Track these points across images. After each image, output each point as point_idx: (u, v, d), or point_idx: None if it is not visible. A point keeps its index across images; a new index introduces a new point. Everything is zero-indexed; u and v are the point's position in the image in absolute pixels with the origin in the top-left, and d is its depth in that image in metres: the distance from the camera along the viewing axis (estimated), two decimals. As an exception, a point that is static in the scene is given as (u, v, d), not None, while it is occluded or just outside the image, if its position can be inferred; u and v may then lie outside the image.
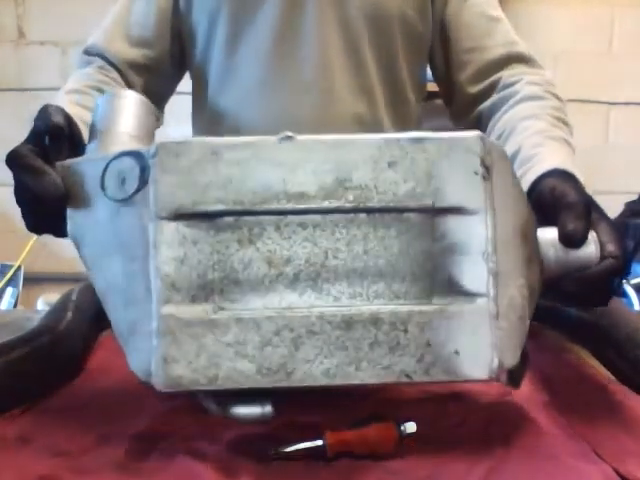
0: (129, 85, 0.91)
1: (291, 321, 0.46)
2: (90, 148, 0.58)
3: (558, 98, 0.81)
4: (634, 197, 2.37)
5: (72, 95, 0.83)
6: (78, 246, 0.52)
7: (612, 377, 0.66)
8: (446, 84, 0.92)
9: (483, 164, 0.48)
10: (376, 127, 0.90)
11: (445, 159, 0.48)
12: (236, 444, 0.50)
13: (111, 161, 0.50)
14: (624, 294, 2.08)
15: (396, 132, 0.89)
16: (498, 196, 0.49)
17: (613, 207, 2.43)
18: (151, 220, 0.47)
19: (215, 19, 0.88)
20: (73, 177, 0.53)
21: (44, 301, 2.21)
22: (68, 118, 0.57)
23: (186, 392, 0.47)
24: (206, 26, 0.90)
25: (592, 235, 0.55)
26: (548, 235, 0.55)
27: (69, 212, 0.52)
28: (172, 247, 0.47)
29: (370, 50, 0.87)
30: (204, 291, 0.47)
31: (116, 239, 0.50)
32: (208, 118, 0.96)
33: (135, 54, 0.91)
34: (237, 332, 0.46)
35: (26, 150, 0.53)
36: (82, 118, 0.69)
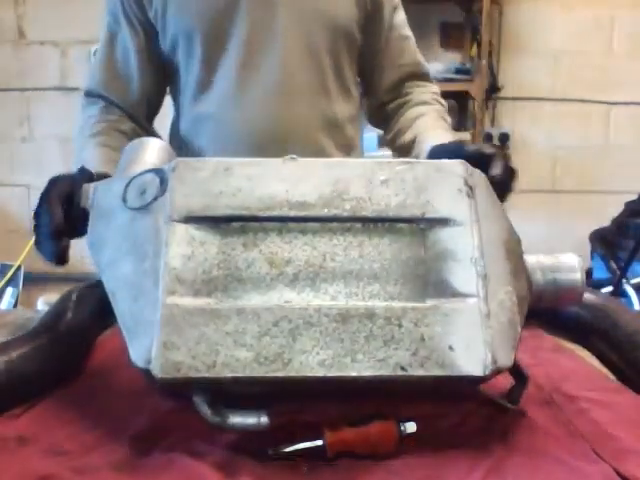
0: (132, 117, 1.03)
1: (290, 313, 0.48)
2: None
3: (441, 103, 1.10)
4: (634, 197, 2.37)
5: (96, 138, 0.97)
6: (95, 253, 0.56)
7: (612, 377, 0.66)
8: (368, 87, 1.13)
9: (466, 184, 0.54)
10: (335, 119, 1.05)
11: (432, 179, 0.54)
12: (236, 444, 0.50)
13: (134, 178, 0.56)
14: (624, 294, 2.08)
15: (348, 121, 1.06)
16: (482, 213, 0.53)
17: (613, 207, 2.44)
18: (165, 222, 0.51)
19: (191, 39, 0.97)
20: (97, 196, 0.59)
21: (44, 301, 2.21)
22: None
23: (183, 385, 0.47)
24: (183, 45, 0.98)
25: (578, 262, 0.58)
26: (533, 259, 0.57)
27: (91, 224, 0.57)
28: (181, 246, 0.50)
29: (326, 55, 1.02)
30: (208, 286, 0.49)
31: (130, 242, 0.53)
32: (191, 120, 1.04)
33: (127, 91, 1.02)
34: (237, 322, 0.48)
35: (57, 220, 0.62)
36: (110, 157, 0.90)
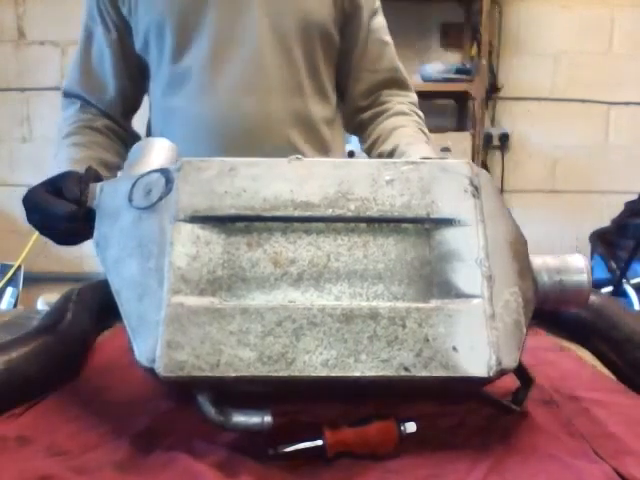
0: (108, 115, 1.04)
1: (293, 312, 0.48)
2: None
3: (419, 115, 1.09)
4: (634, 197, 2.37)
5: (67, 139, 0.98)
6: (100, 251, 0.56)
7: (612, 377, 0.66)
8: (342, 92, 1.11)
9: (472, 184, 0.53)
10: (308, 118, 1.03)
11: (437, 179, 0.53)
12: (236, 444, 0.50)
13: (140, 177, 0.56)
14: (624, 294, 2.08)
15: (323, 121, 1.04)
16: (487, 213, 0.53)
17: (613, 207, 2.44)
18: (170, 222, 0.51)
19: (162, 32, 0.97)
20: (104, 195, 0.59)
21: (44, 301, 2.22)
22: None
23: (187, 384, 0.48)
24: (154, 40, 0.98)
25: (585, 263, 0.57)
26: (539, 261, 0.57)
27: (97, 223, 0.58)
28: (186, 245, 0.50)
29: (299, 51, 1.01)
30: (212, 286, 0.50)
31: (136, 241, 0.53)
32: (161, 115, 1.04)
33: (103, 90, 1.03)
34: (241, 321, 0.48)
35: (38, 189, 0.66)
36: (81, 156, 0.92)
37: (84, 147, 0.95)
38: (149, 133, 1.08)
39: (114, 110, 1.04)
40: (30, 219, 0.67)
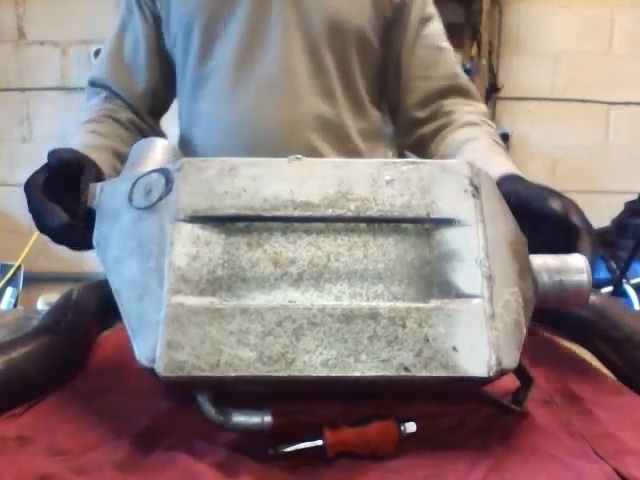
0: (134, 109, 1.01)
1: (293, 312, 0.48)
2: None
3: (490, 125, 0.97)
4: (634, 197, 2.37)
5: (87, 125, 0.96)
6: (100, 251, 0.56)
7: (612, 377, 0.66)
8: (395, 105, 1.04)
9: (472, 184, 0.53)
10: (340, 127, 0.98)
11: (437, 179, 0.53)
12: (236, 444, 0.50)
13: (140, 177, 0.56)
14: (624, 294, 2.08)
15: (358, 133, 0.99)
16: (487, 213, 0.53)
17: (613, 207, 2.44)
18: (170, 222, 0.51)
19: (190, 30, 0.96)
20: (104, 195, 0.59)
21: (44, 301, 2.22)
22: (77, 156, 0.68)
23: (187, 383, 0.48)
24: (182, 37, 0.97)
25: (585, 263, 0.57)
26: (539, 261, 0.57)
27: (97, 223, 0.58)
28: (186, 245, 0.50)
29: (330, 55, 0.96)
30: (212, 286, 0.50)
31: (136, 241, 0.53)
32: (186, 119, 1.03)
33: (133, 82, 1.01)
34: (241, 321, 0.48)
35: (36, 184, 0.65)
36: (95, 143, 0.89)
37: (102, 136, 0.93)
38: (180, 140, 1.06)
39: (141, 105, 1.01)
40: (29, 210, 0.66)
